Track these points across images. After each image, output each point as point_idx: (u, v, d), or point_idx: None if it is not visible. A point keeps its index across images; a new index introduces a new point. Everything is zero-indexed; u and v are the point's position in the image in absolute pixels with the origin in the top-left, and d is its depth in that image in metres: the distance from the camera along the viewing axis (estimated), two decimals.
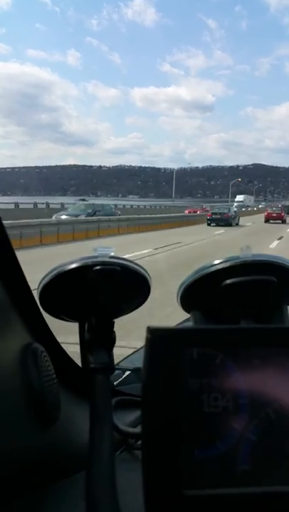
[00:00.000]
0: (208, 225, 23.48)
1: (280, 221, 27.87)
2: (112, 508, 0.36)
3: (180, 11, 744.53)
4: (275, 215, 28.99)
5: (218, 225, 22.94)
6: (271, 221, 27.98)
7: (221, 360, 0.31)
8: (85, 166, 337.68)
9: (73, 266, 0.39)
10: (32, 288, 0.42)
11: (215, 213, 24.43)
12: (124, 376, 0.82)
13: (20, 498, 0.45)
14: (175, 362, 0.31)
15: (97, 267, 0.39)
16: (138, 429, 0.60)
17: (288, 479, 0.31)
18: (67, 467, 0.51)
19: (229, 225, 23.08)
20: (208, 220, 24.10)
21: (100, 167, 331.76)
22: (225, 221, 23.21)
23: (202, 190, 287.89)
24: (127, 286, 0.42)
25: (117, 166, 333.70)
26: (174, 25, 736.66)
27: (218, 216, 23.81)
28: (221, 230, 19.88)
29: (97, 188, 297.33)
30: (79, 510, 0.37)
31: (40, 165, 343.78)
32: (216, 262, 0.40)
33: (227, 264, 0.40)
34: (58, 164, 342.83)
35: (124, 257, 0.41)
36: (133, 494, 0.35)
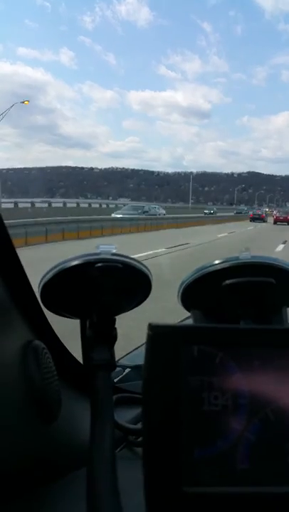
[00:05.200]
0: (250, 221, 40.30)
1: (286, 223, 36.61)
2: (113, 505, 0.36)
3: (174, 10, 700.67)
4: (282, 218, 38.88)
5: (254, 221, 40.16)
6: (278, 223, 37.44)
7: (221, 358, 0.31)
8: (76, 167, 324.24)
9: (75, 263, 0.39)
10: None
11: (255, 214, 43.34)
12: (124, 373, 0.83)
13: (21, 496, 0.45)
14: (175, 359, 0.31)
15: (99, 264, 0.39)
16: (139, 426, 0.60)
17: (287, 480, 0.31)
18: (68, 464, 0.51)
19: (263, 221, 40.44)
20: (250, 218, 41.93)
21: (92, 169, 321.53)
22: (261, 219, 41.34)
23: (195, 196, 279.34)
24: (129, 283, 0.42)
25: (109, 169, 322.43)
26: (169, 26, 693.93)
27: (257, 216, 42.33)
28: (261, 223, 37.62)
29: (87, 190, 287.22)
30: (80, 508, 0.37)
31: (30, 166, 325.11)
32: (216, 262, 0.41)
33: (226, 265, 0.40)
34: (49, 166, 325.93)
35: (127, 254, 0.41)
36: (134, 491, 0.35)
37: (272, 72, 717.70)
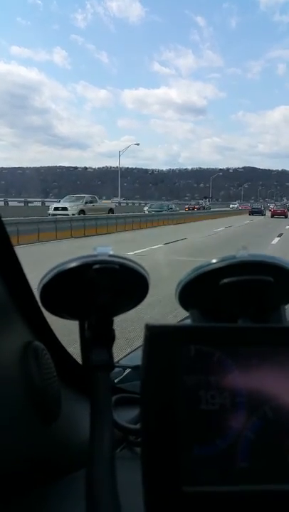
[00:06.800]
0: (249, 214, 45.27)
1: (283, 216, 39.19)
2: (113, 506, 0.36)
3: (166, 5, 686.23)
4: (279, 211, 41.36)
5: (253, 214, 45.18)
6: (275, 216, 39.64)
7: (218, 357, 0.31)
8: (70, 167, 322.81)
9: (73, 265, 0.39)
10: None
11: (254, 208, 49.64)
12: (124, 374, 0.83)
13: (20, 496, 0.45)
14: (173, 359, 0.31)
15: (97, 266, 0.39)
16: (139, 426, 0.59)
17: (287, 478, 0.31)
18: (68, 464, 0.51)
19: (262, 215, 44.89)
20: (249, 212, 47.28)
21: (86, 168, 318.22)
22: (260, 212, 46.37)
23: (190, 193, 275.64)
24: (126, 284, 0.43)
25: (103, 168, 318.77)
26: (161, 21, 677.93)
27: (256, 210, 47.65)
28: (260, 217, 41.40)
29: (80, 190, 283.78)
30: (79, 508, 0.37)
31: (25, 166, 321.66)
32: (214, 261, 0.41)
33: (224, 263, 0.40)
34: (43, 166, 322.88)
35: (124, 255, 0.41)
36: (133, 491, 0.35)
37: (267, 66, 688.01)
